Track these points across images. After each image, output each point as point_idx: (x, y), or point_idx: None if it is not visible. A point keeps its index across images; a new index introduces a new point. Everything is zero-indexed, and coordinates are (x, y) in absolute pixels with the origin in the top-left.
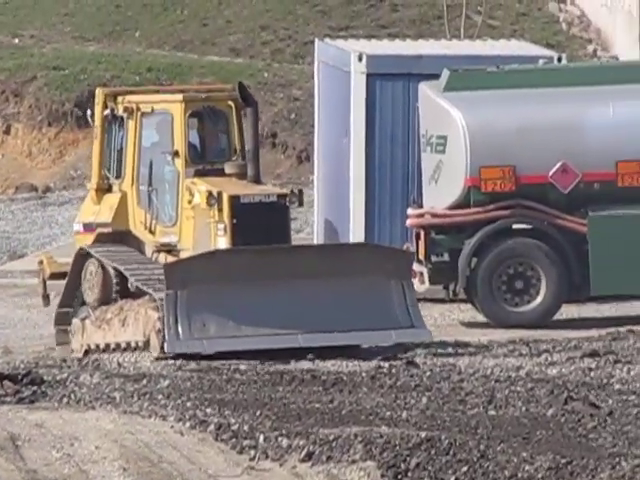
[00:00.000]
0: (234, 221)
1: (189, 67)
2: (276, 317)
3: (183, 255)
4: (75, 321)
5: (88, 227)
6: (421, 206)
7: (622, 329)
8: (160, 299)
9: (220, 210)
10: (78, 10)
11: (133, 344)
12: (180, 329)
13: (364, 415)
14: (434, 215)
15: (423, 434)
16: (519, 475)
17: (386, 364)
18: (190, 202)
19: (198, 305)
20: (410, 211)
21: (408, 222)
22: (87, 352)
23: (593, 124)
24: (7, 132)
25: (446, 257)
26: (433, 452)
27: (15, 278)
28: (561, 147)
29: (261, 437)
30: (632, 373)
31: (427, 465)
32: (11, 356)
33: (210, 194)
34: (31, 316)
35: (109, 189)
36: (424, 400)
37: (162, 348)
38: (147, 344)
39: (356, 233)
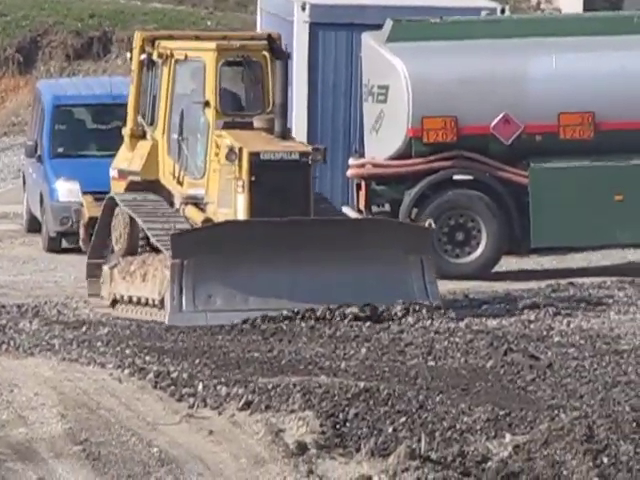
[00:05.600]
0: (252, 179)
1: (132, 14)
2: (285, 291)
3: (209, 209)
4: (105, 269)
5: (122, 174)
6: (362, 156)
7: (562, 281)
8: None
9: (240, 166)
10: None
11: (150, 301)
12: (184, 301)
13: (303, 365)
14: (375, 165)
15: (362, 384)
16: (457, 426)
17: (326, 314)
18: (217, 155)
19: (205, 276)
20: (351, 161)
21: (349, 172)
22: (115, 302)
23: (535, 76)
24: None
25: (387, 208)
26: (372, 402)
27: None
28: (503, 98)
29: (200, 385)
30: (572, 326)
31: (365, 415)
32: None
33: (231, 150)
34: None
35: (144, 135)
36: (363, 350)
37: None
38: (162, 304)
39: None
